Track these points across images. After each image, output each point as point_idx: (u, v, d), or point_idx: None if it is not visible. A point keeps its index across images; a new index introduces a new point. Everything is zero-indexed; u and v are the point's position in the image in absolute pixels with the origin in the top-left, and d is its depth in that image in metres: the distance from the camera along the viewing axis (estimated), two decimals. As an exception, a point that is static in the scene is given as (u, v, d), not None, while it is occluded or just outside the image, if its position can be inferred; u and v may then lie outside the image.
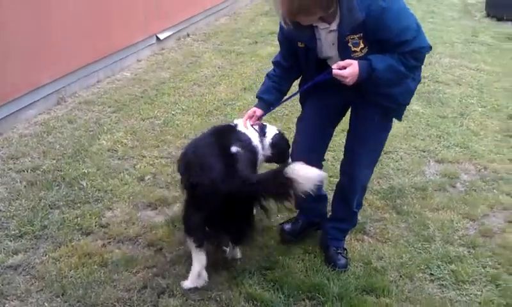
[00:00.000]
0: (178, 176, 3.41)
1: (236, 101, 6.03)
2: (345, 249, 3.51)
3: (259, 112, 3.32)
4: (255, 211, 3.16)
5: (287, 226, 3.62)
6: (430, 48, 2.90)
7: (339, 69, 2.81)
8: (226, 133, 3.30)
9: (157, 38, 7.84)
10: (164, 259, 3.42)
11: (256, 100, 3.39)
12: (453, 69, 7.22)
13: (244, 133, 3.29)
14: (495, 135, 5.34)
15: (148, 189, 4.18)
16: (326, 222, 3.60)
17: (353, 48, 2.81)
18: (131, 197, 4.06)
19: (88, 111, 5.60)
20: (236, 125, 3.35)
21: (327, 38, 2.90)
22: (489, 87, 6.60)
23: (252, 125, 3.32)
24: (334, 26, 2.80)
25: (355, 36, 2.78)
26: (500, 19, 10.19)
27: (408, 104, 3.38)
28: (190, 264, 3.23)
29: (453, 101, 6.13)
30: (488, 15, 10.49)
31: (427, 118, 5.66)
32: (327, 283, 3.24)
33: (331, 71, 2.84)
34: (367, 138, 3.26)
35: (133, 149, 4.80)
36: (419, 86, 6.53)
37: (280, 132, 3.63)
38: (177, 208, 3.93)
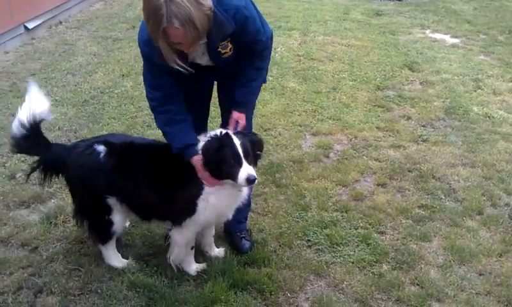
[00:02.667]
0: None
1: (114, 88, 5.86)
2: (248, 230, 3.56)
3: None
4: None
5: None
6: (272, 33, 3.11)
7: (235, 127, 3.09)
8: None
9: (26, 28, 7.37)
10: (40, 257, 3.29)
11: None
12: (326, 46, 7.56)
13: None
14: (364, 105, 5.70)
15: (19, 187, 3.96)
16: None
17: (223, 51, 2.94)
18: (1, 197, 3.84)
19: (-51, 109, 5.16)
20: None
21: (197, 50, 2.94)
22: (359, 61, 7.01)
23: None
24: (204, 40, 2.84)
25: (224, 42, 2.90)
26: (370, -4, 10.82)
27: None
28: (68, 261, 3.22)
29: (326, 76, 6.44)
30: (359, -7, 11.08)
31: (303, 94, 5.90)
32: (210, 261, 3.31)
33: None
34: None
35: (2, 147, 4.50)
36: (295, 64, 6.83)
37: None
38: (52, 204, 3.78)
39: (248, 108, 3.19)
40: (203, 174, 2.92)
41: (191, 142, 2.96)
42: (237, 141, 2.84)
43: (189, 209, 3.00)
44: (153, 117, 3.14)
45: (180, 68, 2.74)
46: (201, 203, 2.97)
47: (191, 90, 3.14)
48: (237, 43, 2.93)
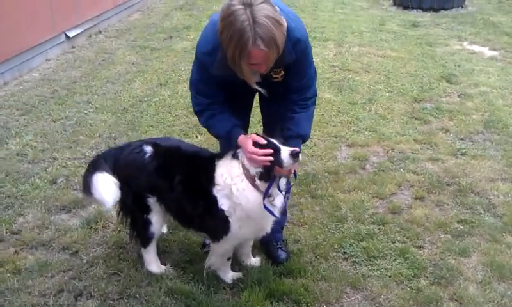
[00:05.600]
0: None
1: (152, 97, 5.97)
2: (284, 241, 3.57)
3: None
4: None
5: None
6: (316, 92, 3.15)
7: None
8: None
9: (67, 36, 7.58)
10: (80, 261, 3.36)
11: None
12: (362, 57, 7.53)
13: None
14: (401, 117, 5.64)
15: (61, 192, 4.06)
16: None
17: (274, 75, 2.97)
18: (43, 202, 3.94)
19: (-6, 115, 5.34)
20: None
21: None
22: (395, 72, 6.95)
23: None
24: None
25: (278, 69, 2.93)
26: (406, 7, 10.72)
27: None
28: (107, 266, 3.27)
29: (362, 88, 6.41)
30: (395, 4, 11.00)
31: (339, 105, 5.88)
32: (247, 270, 3.32)
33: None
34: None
35: (44, 152, 4.64)
36: (330, 75, 6.80)
37: None
38: (93, 209, 3.86)
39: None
40: (251, 152, 2.84)
41: (235, 123, 3.00)
42: (270, 139, 2.87)
43: (223, 227, 3.00)
44: (197, 120, 3.16)
45: (257, 87, 2.80)
46: (235, 222, 2.97)
47: (235, 98, 3.17)
48: (288, 72, 2.95)
